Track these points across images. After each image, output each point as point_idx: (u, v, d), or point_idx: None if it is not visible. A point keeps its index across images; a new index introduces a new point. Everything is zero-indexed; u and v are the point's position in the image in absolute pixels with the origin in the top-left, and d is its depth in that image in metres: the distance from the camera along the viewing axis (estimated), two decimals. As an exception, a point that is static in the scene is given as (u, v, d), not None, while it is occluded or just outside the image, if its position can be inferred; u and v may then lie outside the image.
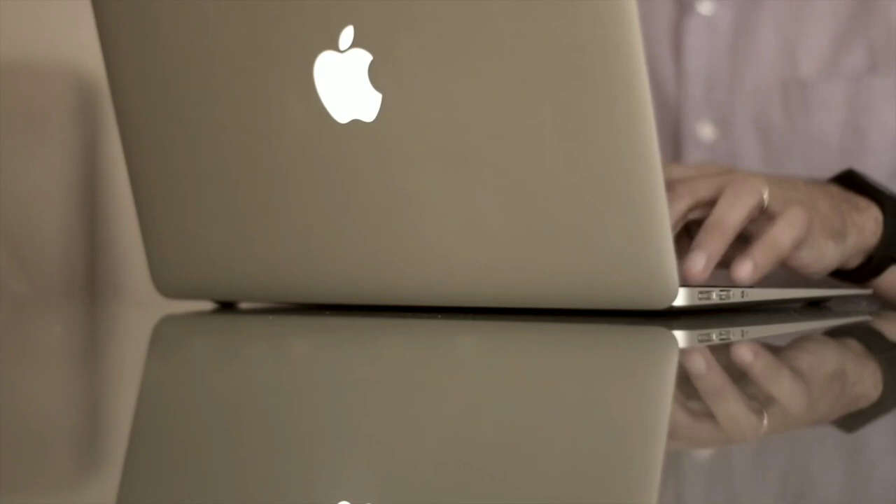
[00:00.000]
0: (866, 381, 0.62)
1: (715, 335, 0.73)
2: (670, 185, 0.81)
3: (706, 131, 1.14)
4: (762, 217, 0.81)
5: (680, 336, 0.72)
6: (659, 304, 0.71)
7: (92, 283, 1.90)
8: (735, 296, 0.77)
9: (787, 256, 0.81)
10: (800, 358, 0.69)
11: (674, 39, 1.15)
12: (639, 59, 0.68)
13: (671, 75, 1.16)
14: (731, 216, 0.79)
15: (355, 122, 0.77)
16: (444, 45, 0.73)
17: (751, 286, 0.79)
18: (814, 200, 0.86)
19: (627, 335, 0.73)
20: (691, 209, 0.82)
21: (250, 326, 0.85)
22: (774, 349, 0.72)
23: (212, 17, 0.81)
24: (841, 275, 0.92)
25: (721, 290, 0.77)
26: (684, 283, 0.73)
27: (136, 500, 0.41)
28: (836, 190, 0.92)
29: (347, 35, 0.76)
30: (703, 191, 0.81)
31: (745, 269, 0.77)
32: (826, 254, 0.85)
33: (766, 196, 0.81)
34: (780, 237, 0.80)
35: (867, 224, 0.90)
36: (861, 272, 0.91)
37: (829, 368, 0.66)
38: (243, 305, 0.90)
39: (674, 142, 1.16)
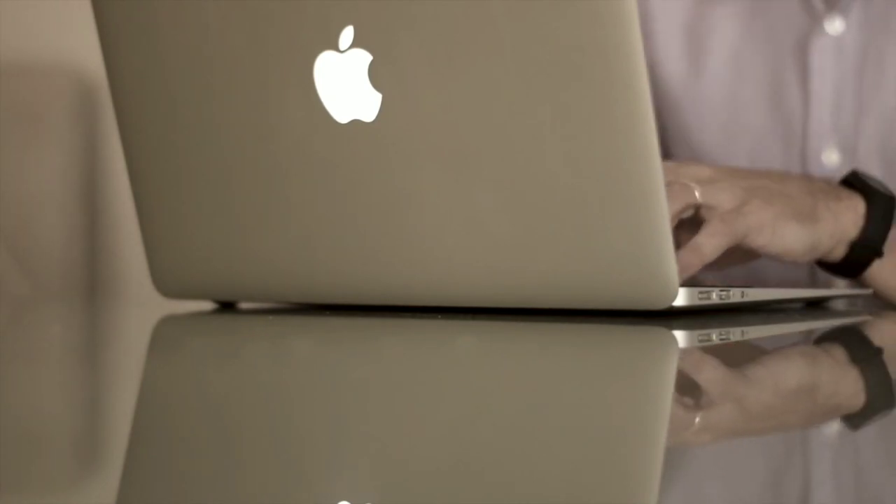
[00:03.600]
0: (847, 387, 0.62)
1: (715, 335, 0.73)
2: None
3: (833, 157, 1.12)
4: (704, 211, 0.83)
5: (680, 336, 0.72)
6: (659, 304, 0.71)
7: (92, 283, 1.90)
8: (735, 296, 0.78)
9: (710, 261, 0.82)
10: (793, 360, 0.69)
11: (800, 59, 1.13)
12: (639, 59, 0.68)
13: (797, 96, 1.13)
14: None
15: (355, 122, 0.77)
16: (444, 45, 0.73)
17: (750, 286, 0.79)
18: (782, 185, 0.88)
19: (627, 335, 0.73)
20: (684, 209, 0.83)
21: (250, 326, 0.85)
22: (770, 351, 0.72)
23: (212, 18, 0.81)
24: (829, 267, 0.92)
25: (721, 291, 0.77)
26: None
27: (136, 500, 0.41)
28: (821, 183, 0.92)
29: (347, 35, 0.76)
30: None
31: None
32: (786, 235, 0.86)
33: (697, 196, 0.83)
34: (702, 247, 0.81)
35: (845, 213, 0.89)
36: (846, 264, 0.91)
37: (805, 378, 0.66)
38: (243, 305, 0.90)
39: (800, 165, 1.14)
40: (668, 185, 0.82)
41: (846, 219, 0.89)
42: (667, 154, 1.21)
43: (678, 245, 0.80)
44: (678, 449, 0.46)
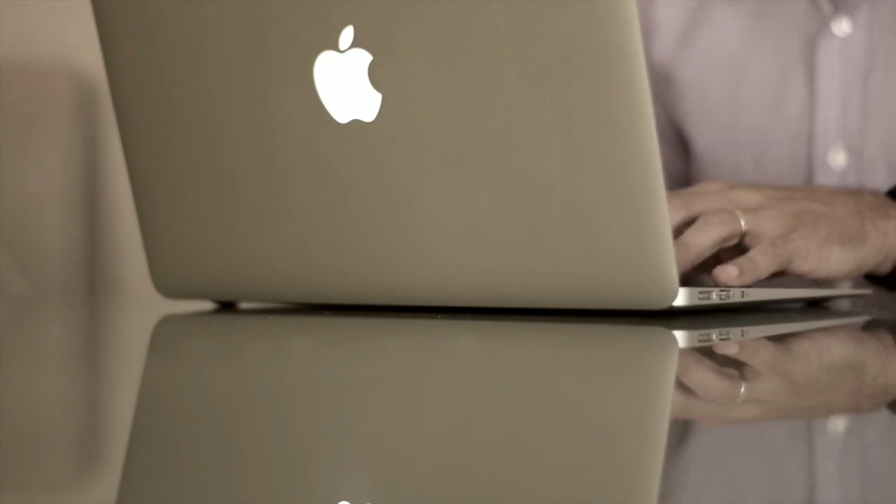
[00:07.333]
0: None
1: (715, 335, 0.73)
2: (700, 215, 0.83)
3: (839, 159, 1.12)
4: (749, 239, 0.83)
5: (680, 336, 0.72)
6: (659, 304, 0.71)
7: (92, 283, 1.90)
8: (735, 296, 0.78)
9: (762, 278, 0.82)
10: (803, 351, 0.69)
11: (807, 60, 1.13)
12: (639, 59, 0.68)
13: (803, 97, 1.13)
14: (696, 242, 0.81)
15: (355, 122, 0.77)
16: (444, 45, 0.73)
17: (750, 286, 0.79)
18: (830, 207, 0.88)
19: (627, 335, 0.73)
20: (730, 238, 0.83)
21: (250, 326, 0.85)
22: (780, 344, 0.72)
23: (212, 18, 0.81)
24: (873, 279, 0.93)
25: (721, 291, 0.77)
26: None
27: (136, 500, 0.41)
28: (870, 198, 0.92)
29: (347, 35, 0.76)
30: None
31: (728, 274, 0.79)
32: (830, 260, 0.86)
33: (742, 225, 0.83)
34: (757, 262, 0.81)
35: (894, 231, 0.90)
36: (890, 278, 0.92)
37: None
38: (243, 305, 0.90)
39: (806, 167, 1.13)
40: (716, 212, 0.82)
41: (894, 237, 0.90)
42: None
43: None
44: (678, 448, 0.46)
